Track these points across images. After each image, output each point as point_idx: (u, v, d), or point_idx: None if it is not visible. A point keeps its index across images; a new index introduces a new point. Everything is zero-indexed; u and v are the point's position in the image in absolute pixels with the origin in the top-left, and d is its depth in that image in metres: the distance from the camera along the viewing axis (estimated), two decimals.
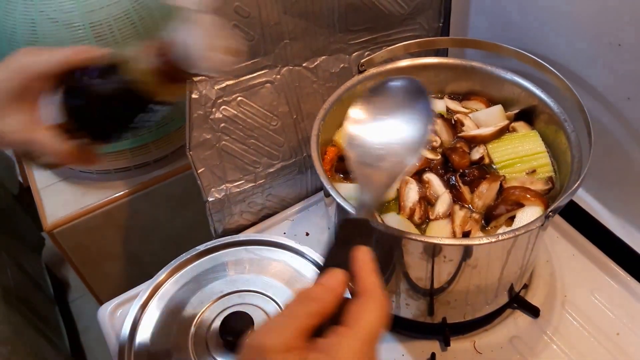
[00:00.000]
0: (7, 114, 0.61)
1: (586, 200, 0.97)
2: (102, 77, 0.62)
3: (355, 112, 0.68)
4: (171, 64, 0.58)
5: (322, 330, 0.46)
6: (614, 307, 0.90)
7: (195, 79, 0.86)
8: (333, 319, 0.47)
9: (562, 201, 0.67)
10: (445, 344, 0.87)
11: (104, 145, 0.69)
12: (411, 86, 0.68)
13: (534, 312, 0.89)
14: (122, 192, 1.21)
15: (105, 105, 0.63)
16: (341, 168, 0.86)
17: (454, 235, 0.75)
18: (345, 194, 0.79)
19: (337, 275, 0.49)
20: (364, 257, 0.50)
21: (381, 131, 0.65)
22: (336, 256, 0.52)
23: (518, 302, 0.90)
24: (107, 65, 0.62)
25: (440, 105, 0.93)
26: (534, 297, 0.91)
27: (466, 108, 0.92)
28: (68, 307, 1.96)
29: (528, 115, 0.88)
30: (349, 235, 0.53)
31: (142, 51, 0.60)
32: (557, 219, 1.01)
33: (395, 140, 0.64)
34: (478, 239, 0.68)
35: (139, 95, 0.61)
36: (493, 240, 0.67)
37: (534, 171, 0.82)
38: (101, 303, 0.97)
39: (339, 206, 0.75)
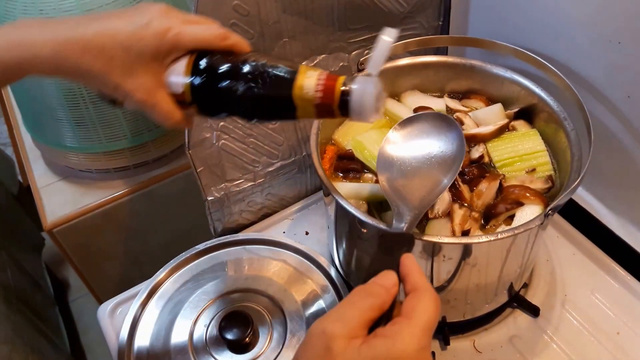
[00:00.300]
0: (135, 73, 0.60)
1: (586, 199, 0.97)
2: (253, 78, 0.61)
3: (391, 135, 0.74)
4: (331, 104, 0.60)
5: (376, 326, 0.50)
6: (614, 307, 0.89)
7: None
8: (386, 317, 0.51)
9: (561, 200, 0.66)
10: (445, 343, 0.86)
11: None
12: (441, 118, 0.73)
13: (534, 311, 0.89)
14: (121, 192, 1.22)
15: (239, 101, 0.62)
16: (340, 167, 0.86)
17: (453, 234, 0.75)
18: (345, 192, 0.79)
19: (391, 276, 0.53)
20: (410, 261, 0.55)
21: (416, 152, 0.72)
22: (381, 262, 0.56)
23: (518, 301, 0.89)
24: (262, 68, 0.61)
25: (439, 104, 0.92)
26: (534, 297, 0.91)
27: (466, 107, 0.92)
28: (68, 307, 1.96)
29: (528, 114, 0.88)
30: (390, 244, 0.59)
31: (312, 80, 0.59)
32: (558, 218, 1.01)
33: (429, 161, 0.70)
34: (477, 238, 0.68)
35: (281, 108, 0.61)
36: (492, 238, 0.67)
37: (533, 170, 0.82)
38: (101, 302, 0.97)
39: (338, 205, 0.75)
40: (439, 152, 0.70)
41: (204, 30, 0.62)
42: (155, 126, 1.18)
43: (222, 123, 0.92)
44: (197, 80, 0.62)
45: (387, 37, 0.60)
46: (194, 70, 0.62)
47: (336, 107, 0.60)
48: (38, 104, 1.13)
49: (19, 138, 1.37)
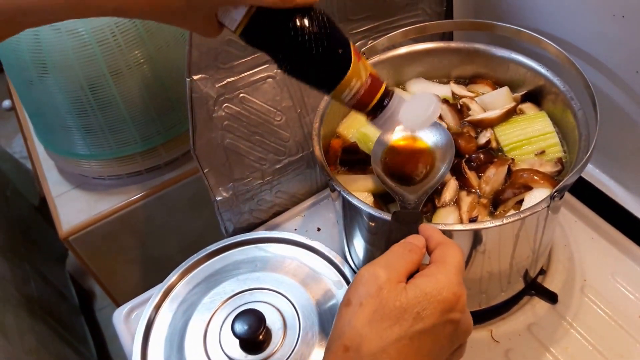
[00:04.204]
0: None
1: (603, 181, 0.95)
2: (318, 33, 0.60)
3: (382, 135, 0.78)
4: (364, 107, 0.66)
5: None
6: (636, 289, 0.87)
7: (195, 77, 0.86)
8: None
9: (568, 180, 0.64)
10: None
11: None
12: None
13: (552, 298, 0.87)
14: (135, 197, 1.22)
15: (294, 44, 0.60)
16: (345, 160, 0.85)
17: (461, 222, 0.74)
18: (350, 186, 0.78)
19: (420, 238, 0.59)
20: (428, 226, 0.61)
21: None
22: (401, 231, 0.61)
23: (535, 288, 0.87)
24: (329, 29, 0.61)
25: (445, 90, 0.91)
26: (552, 283, 0.89)
27: (472, 92, 0.90)
28: (94, 316, 1.98)
29: (536, 96, 0.86)
30: (398, 234, 0.61)
31: (360, 81, 0.63)
32: (575, 202, 0.98)
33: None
34: (483, 223, 0.66)
35: (322, 82, 0.63)
36: (498, 223, 0.65)
37: (543, 152, 0.80)
38: None
39: (344, 200, 0.74)
40: (431, 143, 0.74)
41: None
42: (165, 129, 1.18)
43: (226, 122, 0.91)
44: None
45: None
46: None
47: (367, 111, 0.65)
48: (47, 113, 1.14)
49: (32, 149, 1.38)
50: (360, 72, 0.62)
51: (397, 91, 0.62)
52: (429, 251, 0.58)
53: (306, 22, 0.59)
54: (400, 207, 0.68)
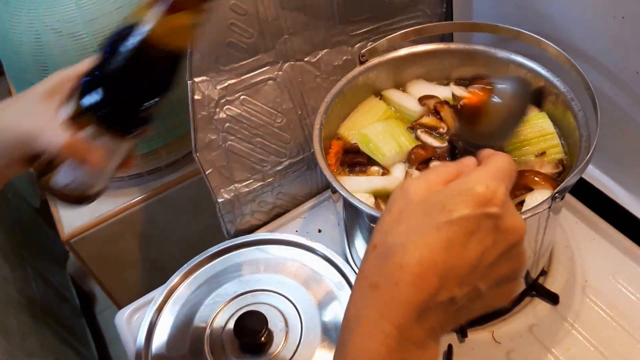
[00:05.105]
0: (34, 112, 0.62)
1: (603, 181, 0.95)
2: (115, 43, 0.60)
3: None
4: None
5: None
6: (637, 290, 0.87)
7: (197, 79, 0.86)
8: None
9: (569, 181, 0.64)
10: (463, 335, 0.85)
11: (117, 140, 0.65)
12: None
13: (553, 299, 0.87)
14: (136, 199, 1.22)
15: (118, 76, 0.60)
16: (346, 161, 0.85)
17: None
18: (351, 187, 0.78)
19: (471, 158, 0.53)
20: (486, 149, 0.54)
21: None
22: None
23: (536, 289, 0.87)
24: (120, 30, 0.60)
25: (445, 92, 0.91)
26: (553, 284, 0.89)
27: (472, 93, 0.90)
28: (95, 318, 1.98)
29: (536, 98, 0.86)
30: None
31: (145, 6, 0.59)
32: (576, 203, 0.98)
33: None
34: None
35: (151, 52, 0.59)
36: None
37: (543, 153, 0.80)
38: None
39: (345, 201, 0.74)
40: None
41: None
42: (165, 131, 1.18)
43: (227, 124, 0.91)
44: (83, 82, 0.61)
45: None
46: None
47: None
48: None
49: None
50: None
51: None
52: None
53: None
54: None
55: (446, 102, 0.88)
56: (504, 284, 0.49)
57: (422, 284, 0.44)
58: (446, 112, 0.87)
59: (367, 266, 0.48)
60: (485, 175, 0.48)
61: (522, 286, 0.84)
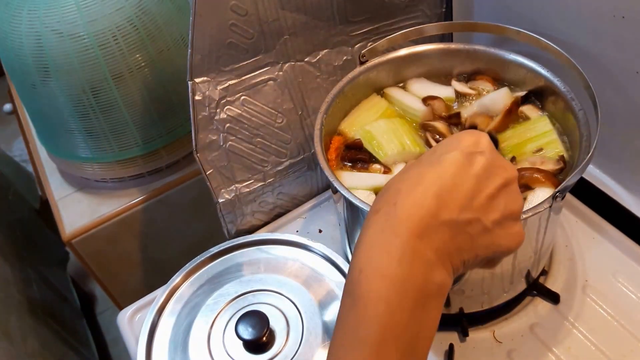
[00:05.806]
0: None
1: (604, 181, 0.95)
2: None
3: None
4: None
5: None
6: (638, 289, 0.87)
7: (197, 80, 0.86)
8: None
9: (569, 180, 0.65)
10: (464, 334, 0.85)
11: None
12: None
13: (554, 298, 0.87)
14: (137, 199, 1.22)
15: None
16: (348, 157, 0.85)
17: None
18: (352, 183, 0.78)
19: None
20: None
21: None
22: None
23: (537, 288, 0.88)
24: None
25: (447, 91, 0.91)
26: (554, 283, 0.89)
27: (473, 89, 0.90)
28: (96, 319, 1.99)
29: (536, 98, 0.86)
30: None
31: None
32: (576, 202, 0.99)
33: None
34: None
35: None
36: None
37: (541, 149, 0.80)
38: None
39: (346, 200, 0.74)
40: None
41: None
42: (166, 132, 1.18)
43: (228, 124, 0.91)
44: None
45: None
46: None
47: None
48: (49, 116, 1.14)
49: (34, 152, 1.38)
50: None
51: None
52: None
53: None
54: None
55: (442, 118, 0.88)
56: (506, 222, 0.51)
57: (419, 201, 0.48)
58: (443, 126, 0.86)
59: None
60: (471, 131, 0.53)
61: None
